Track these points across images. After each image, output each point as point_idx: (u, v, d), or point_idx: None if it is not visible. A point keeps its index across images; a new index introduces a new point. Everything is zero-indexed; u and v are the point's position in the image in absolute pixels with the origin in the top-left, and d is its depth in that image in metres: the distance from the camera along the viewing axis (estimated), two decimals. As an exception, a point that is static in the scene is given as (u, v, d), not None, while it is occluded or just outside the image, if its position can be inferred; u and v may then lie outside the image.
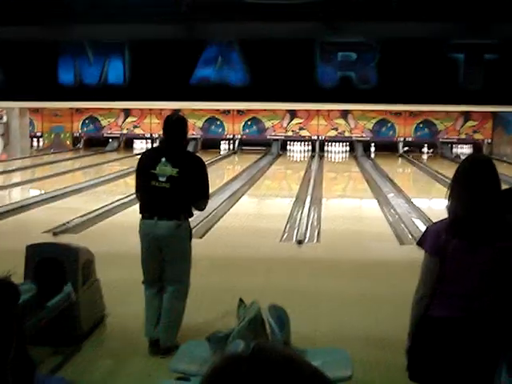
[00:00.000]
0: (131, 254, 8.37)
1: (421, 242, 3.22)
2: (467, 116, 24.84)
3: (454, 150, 25.41)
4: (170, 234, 5.14)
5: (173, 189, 5.04)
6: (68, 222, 10.12)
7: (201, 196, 5.22)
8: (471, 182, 3.09)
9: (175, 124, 5.16)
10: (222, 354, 1.50)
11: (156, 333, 5.13)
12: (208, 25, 7.14)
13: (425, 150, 25.59)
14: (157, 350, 5.07)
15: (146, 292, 5.38)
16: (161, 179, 5.04)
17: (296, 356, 1.06)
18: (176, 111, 6.30)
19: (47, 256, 5.15)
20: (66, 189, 14.25)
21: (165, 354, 4.97)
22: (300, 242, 9.05)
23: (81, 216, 10.66)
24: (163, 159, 5.04)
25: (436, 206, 13.34)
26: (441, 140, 25.30)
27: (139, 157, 5.49)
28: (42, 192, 14.65)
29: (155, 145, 26.55)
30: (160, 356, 5.00)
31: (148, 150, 6.28)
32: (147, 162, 5.18)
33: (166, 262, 5.24)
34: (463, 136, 25.29)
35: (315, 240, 9.52)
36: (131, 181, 17.62)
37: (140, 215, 5.34)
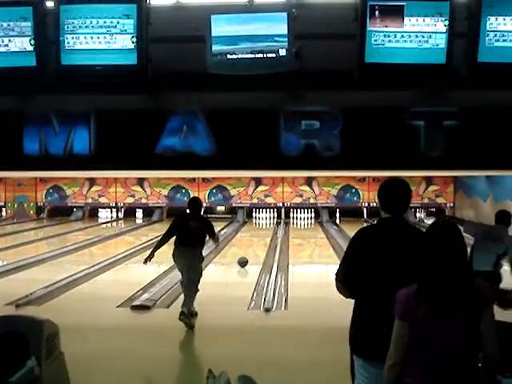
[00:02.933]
0: (96, 325, 8.24)
1: (391, 307, 3.22)
2: (429, 181, 25.32)
3: (418, 215, 25.76)
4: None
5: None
6: (31, 294, 9.91)
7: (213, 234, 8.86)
8: (436, 249, 3.13)
9: (197, 202, 9.06)
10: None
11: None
12: (173, 95, 7.24)
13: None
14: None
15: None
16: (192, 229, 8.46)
17: None
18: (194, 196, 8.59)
19: (9, 329, 5.01)
20: (29, 259, 14.00)
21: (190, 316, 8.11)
22: (268, 310, 8.98)
23: (44, 287, 10.46)
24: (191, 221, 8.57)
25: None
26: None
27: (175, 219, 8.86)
28: (5, 263, 14.37)
29: (120, 214, 26.53)
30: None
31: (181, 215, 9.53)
32: (182, 220, 8.72)
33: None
34: (426, 200, 25.69)
35: (283, 307, 9.46)
36: (96, 250, 17.47)
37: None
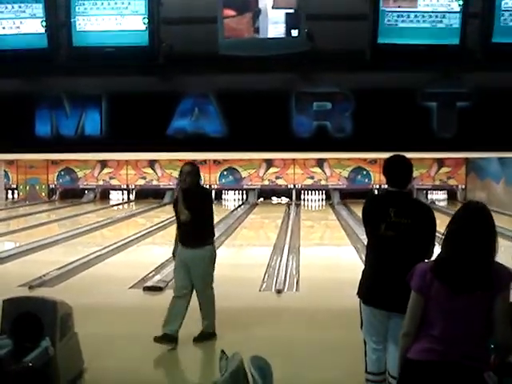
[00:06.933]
0: (109, 306, 8.29)
1: (408, 279, 3.25)
2: (441, 163, 25.20)
3: (429, 197, 25.67)
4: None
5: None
6: (44, 275, 9.99)
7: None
8: (461, 227, 3.13)
9: (192, 169, 7.08)
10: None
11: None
12: (184, 76, 7.21)
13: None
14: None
15: None
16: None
17: None
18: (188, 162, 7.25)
19: (24, 310, 5.05)
20: (41, 241, 14.10)
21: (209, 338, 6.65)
22: (279, 291, 9.01)
23: (57, 269, 10.53)
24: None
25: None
26: (416, 187, 25.57)
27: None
28: (18, 245, 14.48)
29: (132, 196, 26.57)
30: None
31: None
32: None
33: None
34: (437, 182, 25.60)
35: (294, 289, 9.48)
36: (108, 232, 17.53)
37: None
